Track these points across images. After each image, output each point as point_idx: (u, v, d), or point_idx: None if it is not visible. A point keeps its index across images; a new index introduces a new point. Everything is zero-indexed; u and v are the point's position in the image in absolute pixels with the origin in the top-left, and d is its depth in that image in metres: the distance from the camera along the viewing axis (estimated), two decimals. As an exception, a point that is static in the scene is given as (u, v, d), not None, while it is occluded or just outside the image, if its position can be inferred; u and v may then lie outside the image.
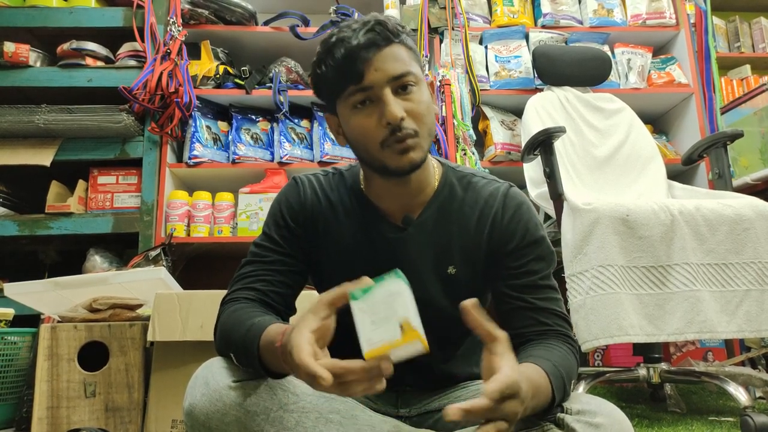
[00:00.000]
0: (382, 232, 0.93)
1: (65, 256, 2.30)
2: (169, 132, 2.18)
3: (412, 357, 0.60)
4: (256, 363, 0.76)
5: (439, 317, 0.93)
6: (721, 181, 1.81)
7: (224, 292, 0.92)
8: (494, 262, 0.92)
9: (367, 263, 0.93)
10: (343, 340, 0.68)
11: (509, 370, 0.63)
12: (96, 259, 2.10)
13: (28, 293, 1.61)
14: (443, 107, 2.21)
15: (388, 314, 0.60)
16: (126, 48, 2.26)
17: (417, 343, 0.58)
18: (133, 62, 2.24)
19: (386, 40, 0.84)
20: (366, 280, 0.66)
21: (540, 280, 0.89)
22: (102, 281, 1.60)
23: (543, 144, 1.72)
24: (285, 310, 0.92)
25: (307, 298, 1.11)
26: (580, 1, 2.58)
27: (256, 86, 2.32)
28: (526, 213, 0.93)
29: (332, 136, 2.30)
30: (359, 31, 0.83)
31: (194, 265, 2.30)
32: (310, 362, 0.62)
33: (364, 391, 0.62)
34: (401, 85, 0.84)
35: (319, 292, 1.01)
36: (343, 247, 0.94)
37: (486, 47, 2.49)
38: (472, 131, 2.27)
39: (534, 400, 0.70)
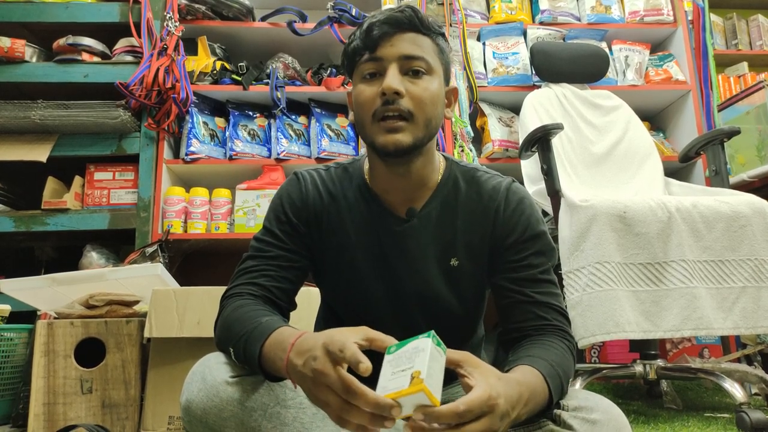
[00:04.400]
0: (385, 224, 0.93)
1: (61, 253, 2.29)
2: (166, 128, 2.17)
3: (422, 405, 0.61)
4: (256, 365, 0.76)
5: (442, 309, 0.93)
6: (717, 178, 1.81)
7: (221, 288, 0.92)
8: (495, 256, 0.93)
9: (371, 255, 0.93)
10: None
11: (475, 394, 0.62)
12: (92, 256, 2.09)
13: (25, 289, 1.61)
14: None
15: (407, 366, 0.62)
16: (122, 43, 2.26)
17: (421, 395, 0.60)
18: (129, 58, 2.23)
19: (411, 26, 0.87)
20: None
21: (540, 275, 0.90)
22: (99, 277, 1.59)
23: (540, 141, 1.72)
24: (287, 306, 0.92)
25: (305, 295, 1.11)
26: (577, -2, 2.58)
27: (254, 82, 2.31)
28: (528, 208, 0.94)
29: (330, 133, 2.33)
30: (390, 10, 0.88)
31: (191, 261, 2.29)
32: (358, 352, 0.63)
33: (359, 429, 0.62)
34: (412, 69, 0.86)
35: (321, 286, 1.01)
36: (346, 241, 0.94)
37: (484, 44, 2.48)
38: (469, 128, 2.27)
39: (530, 404, 0.70)
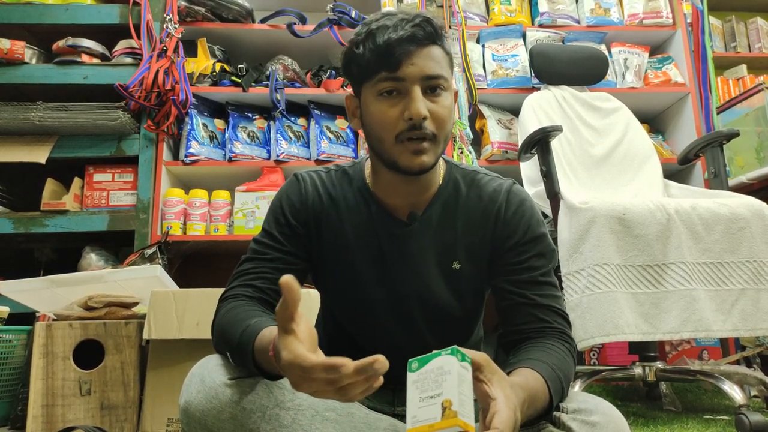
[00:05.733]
0: (386, 227, 0.93)
1: (61, 254, 2.29)
2: (166, 130, 2.18)
3: None
4: (252, 366, 0.76)
5: (442, 311, 0.93)
6: (717, 180, 1.81)
7: (221, 290, 0.92)
8: (496, 258, 0.92)
9: (371, 258, 0.93)
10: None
11: (504, 412, 0.61)
12: (91, 257, 2.09)
13: (24, 291, 1.61)
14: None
15: (435, 392, 0.60)
16: (122, 45, 2.26)
17: (456, 429, 0.58)
18: (129, 59, 2.23)
19: (429, 38, 0.85)
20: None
21: (540, 277, 0.90)
22: (98, 279, 1.59)
23: (540, 143, 1.72)
24: None
25: (305, 297, 1.11)
26: (577, 1, 2.58)
27: (253, 84, 2.31)
28: (529, 209, 0.94)
29: (329, 135, 2.33)
30: (406, 23, 0.84)
31: (190, 263, 2.29)
32: (305, 355, 0.60)
33: (363, 393, 0.61)
34: (431, 87, 0.85)
35: (320, 289, 1.01)
36: (346, 244, 0.94)
37: (483, 46, 2.49)
38: (469, 130, 2.27)
39: (530, 409, 0.70)
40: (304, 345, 0.62)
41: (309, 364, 0.60)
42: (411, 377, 0.64)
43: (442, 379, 0.61)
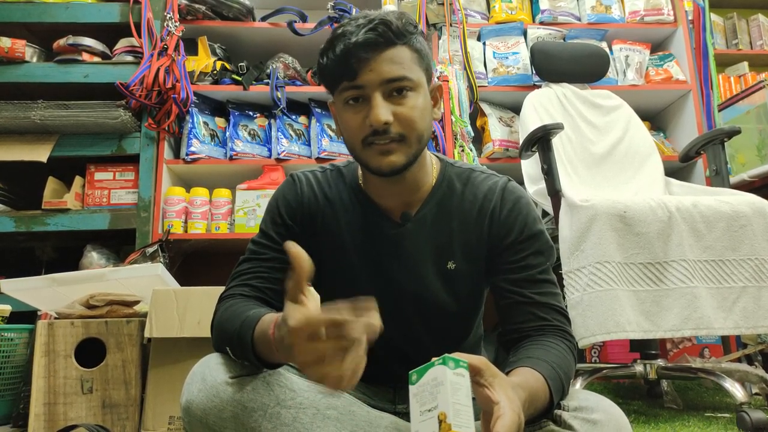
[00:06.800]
0: (381, 228, 0.93)
1: (62, 253, 2.30)
2: (166, 128, 2.17)
3: None
4: (251, 354, 0.76)
5: (439, 311, 0.93)
6: (718, 177, 1.81)
7: (222, 288, 0.92)
8: (493, 256, 0.92)
9: (366, 258, 0.93)
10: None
11: (507, 416, 0.61)
12: (93, 256, 2.09)
13: (25, 289, 1.61)
14: (441, 103, 2.20)
15: (432, 405, 0.61)
16: (123, 43, 2.26)
17: None
18: (129, 58, 2.23)
19: (387, 41, 0.83)
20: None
21: (538, 275, 0.89)
22: (99, 278, 1.59)
23: (541, 140, 1.72)
24: (281, 307, 0.92)
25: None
26: (578, -2, 2.58)
27: (254, 82, 2.31)
28: (525, 207, 0.93)
29: (330, 133, 2.33)
30: (362, 28, 0.83)
31: (191, 261, 2.29)
32: (301, 309, 0.61)
33: (365, 329, 0.59)
34: (396, 89, 0.84)
35: (317, 288, 1.01)
36: (342, 243, 0.94)
37: (484, 43, 2.48)
38: (470, 128, 2.27)
39: (531, 408, 0.70)
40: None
41: (318, 319, 0.60)
42: (411, 390, 0.64)
43: (436, 390, 0.61)
